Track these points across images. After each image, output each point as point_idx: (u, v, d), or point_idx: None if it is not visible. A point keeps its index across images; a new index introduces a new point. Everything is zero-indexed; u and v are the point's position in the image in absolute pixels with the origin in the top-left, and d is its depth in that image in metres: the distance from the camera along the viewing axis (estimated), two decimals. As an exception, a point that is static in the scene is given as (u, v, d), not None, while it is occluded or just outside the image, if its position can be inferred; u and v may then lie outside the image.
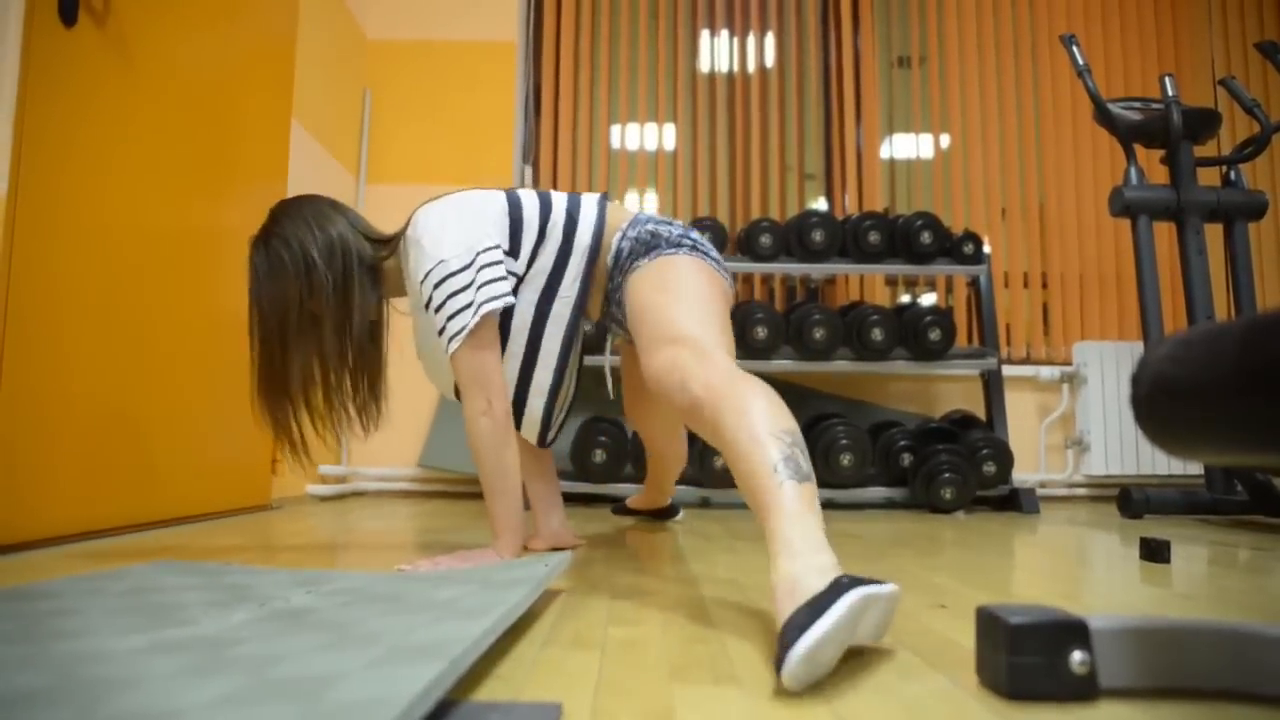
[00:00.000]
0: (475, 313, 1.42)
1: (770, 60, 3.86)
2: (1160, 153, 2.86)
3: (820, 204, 3.83)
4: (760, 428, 1.00)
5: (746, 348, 2.99)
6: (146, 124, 1.97)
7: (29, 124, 1.61)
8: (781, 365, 3.04)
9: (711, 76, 3.85)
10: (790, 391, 3.40)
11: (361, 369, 1.60)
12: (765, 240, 3.16)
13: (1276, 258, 3.82)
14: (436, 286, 1.43)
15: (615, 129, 3.82)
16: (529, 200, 1.57)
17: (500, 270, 1.46)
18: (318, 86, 3.02)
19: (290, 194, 2.71)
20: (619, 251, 1.54)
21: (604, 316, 1.67)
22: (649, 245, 1.49)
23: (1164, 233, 3.61)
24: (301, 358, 1.51)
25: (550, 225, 1.54)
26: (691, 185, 3.77)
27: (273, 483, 2.65)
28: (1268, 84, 3.85)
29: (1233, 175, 2.78)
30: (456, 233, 1.46)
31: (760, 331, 2.97)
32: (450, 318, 1.43)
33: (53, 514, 1.68)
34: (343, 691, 0.58)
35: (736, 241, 3.38)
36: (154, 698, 0.60)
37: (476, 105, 3.60)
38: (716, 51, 3.87)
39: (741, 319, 3.00)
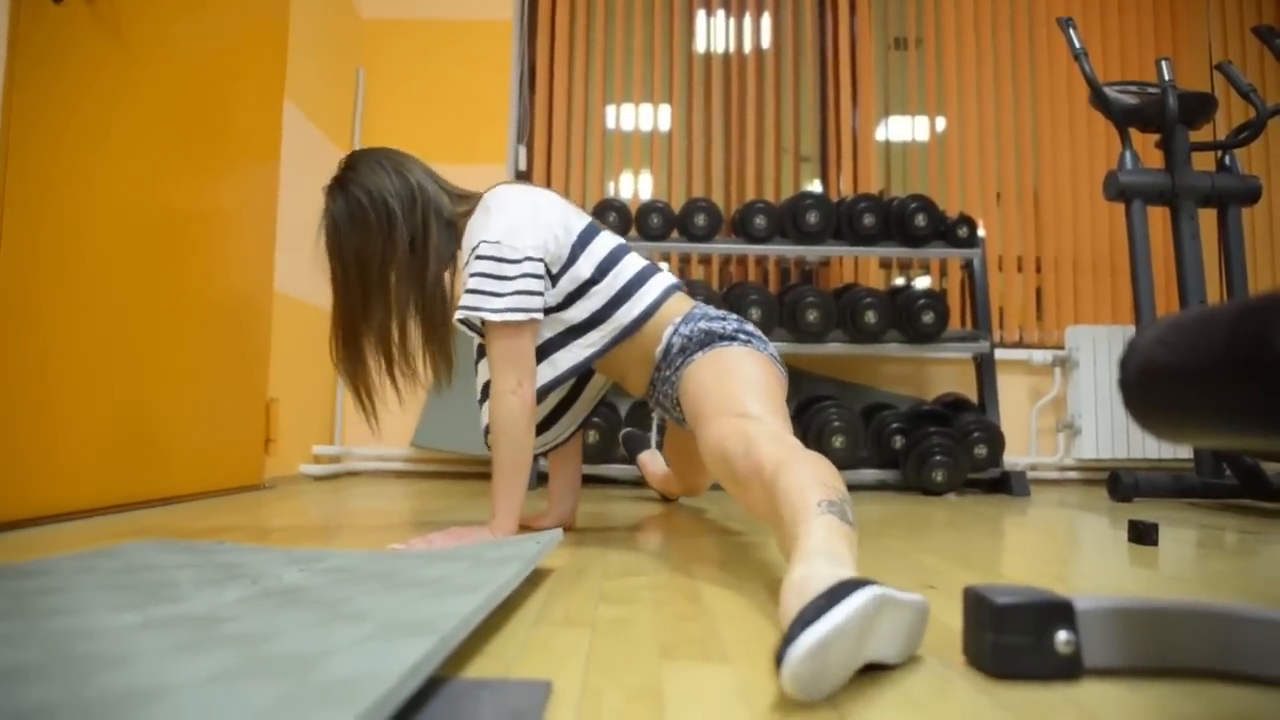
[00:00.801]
0: (502, 311, 1.42)
1: (766, 41, 3.84)
2: (1156, 137, 2.86)
3: (815, 186, 3.82)
4: (813, 479, 0.99)
5: (740, 330, 2.99)
6: (137, 103, 1.95)
7: (17, 103, 1.60)
8: (775, 347, 3.04)
9: (707, 57, 3.83)
10: (784, 374, 3.41)
11: (432, 322, 1.59)
12: (760, 222, 3.15)
13: (1269, 243, 3.83)
14: (480, 259, 1.44)
15: (610, 109, 3.80)
16: (597, 248, 1.55)
17: (539, 285, 1.47)
18: (311, 65, 3.00)
19: (283, 174, 2.70)
20: (669, 345, 1.54)
21: (649, 397, 1.68)
22: (702, 343, 1.49)
23: (1158, 217, 3.62)
24: (381, 310, 1.54)
25: (596, 288, 1.53)
26: (686, 166, 3.76)
27: (265, 462, 2.65)
28: (1264, 69, 3.84)
29: (1227, 160, 2.78)
30: (524, 227, 1.47)
31: (754, 313, 2.97)
32: (472, 291, 1.44)
33: (45, 493, 1.68)
34: (332, 668, 0.59)
35: (731, 223, 3.38)
36: (144, 674, 0.60)
37: (471, 85, 3.58)
38: (712, 32, 3.85)
39: (735, 301, 3.00)
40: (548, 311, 1.52)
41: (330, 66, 3.23)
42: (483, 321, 1.46)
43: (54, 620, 0.77)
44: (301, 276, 2.95)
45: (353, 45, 3.47)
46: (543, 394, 1.54)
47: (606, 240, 1.58)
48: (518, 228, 1.47)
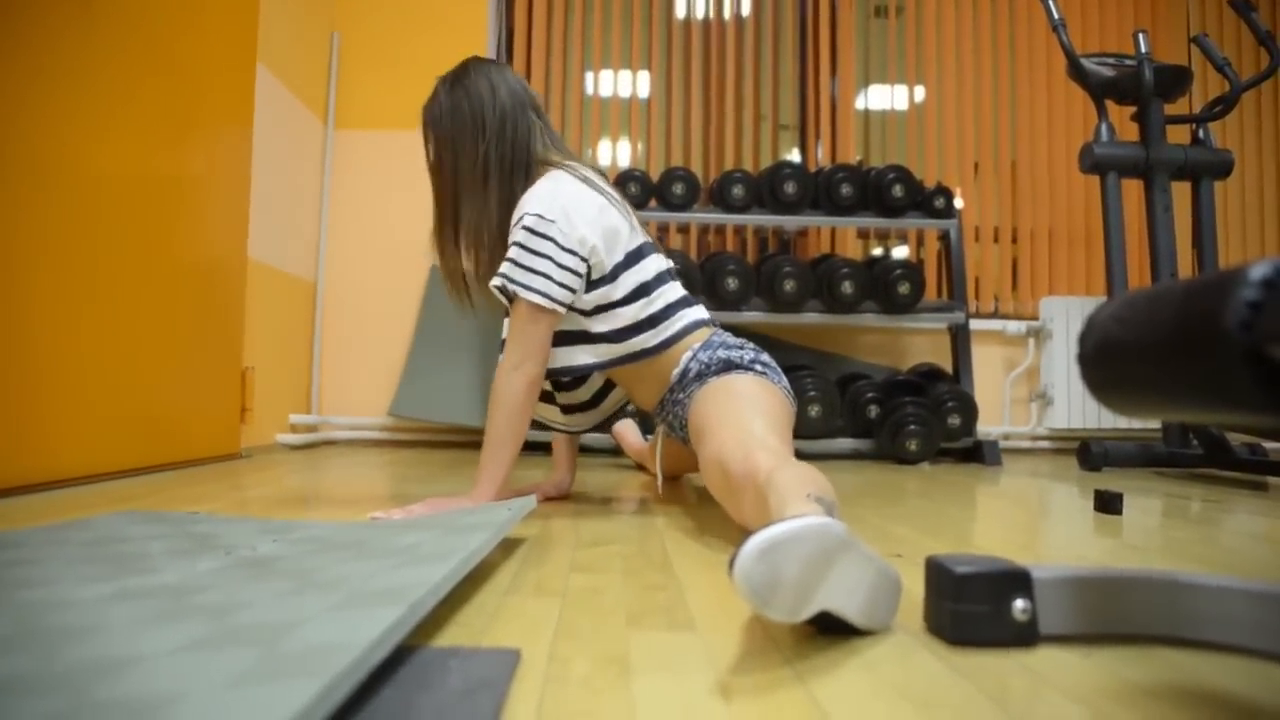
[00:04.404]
0: (529, 290, 1.44)
1: (746, 8, 3.81)
2: (1132, 109, 2.87)
3: (794, 155, 3.82)
4: (807, 479, 1.00)
5: (717, 299, 3.00)
6: (105, 66, 1.91)
7: (-19, 63, 1.56)
8: (752, 316, 3.06)
9: (687, 23, 3.80)
10: (760, 342, 3.42)
11: (479, 243, 1.59)
12: (738, 191, 3.15)
13: (1241, 216, 3.87)
14: (528, 231, 1.45)
15: (589, 75, 3.77)
16: (640, 273, 1.57)
17: (574, 281, 1.48)
18: (283, 28, 2.95)
19: (256, 138, 2.67)
20: (686, 369, 1.57)
21: (655, 413, 1.71)
22: (719, 370, 1.52)
23: (1133, 190, 3.64)
24: (470, 213, 1.56)
25: (622, 310, 1.54)
26: (665, 134, 3.74)
27: (242, 432, 2.64)
28: (1240, 42, 3.86)
29: (1201, 133, 2.80)
30: (583, 219, 1.49)
31: (731, 283, 2.98)
32: (511, 260, 1.46)
33: (18, 463, 1.67)
34: (302, 637, 0.59)
35: (709, 192, 3.37)
36: (115, 645, 0.61)
37: (448, 49, 3.50)
38: (692, -2, 3.81)
39: (712, 270, 3.01)
40: (573, 310, 1.53)
41: (304, 30, 3.17)
42: (499, 288, 1.47)
43: (25, 592, 0.78)
44: (276, 243, 2.92)
45: (327, 8, 3.41)
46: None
47: (651, 265, 1.59)
48: (575, 217, 1.48)
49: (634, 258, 1.57)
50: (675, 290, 1.63)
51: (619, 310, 1.54)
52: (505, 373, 1.46)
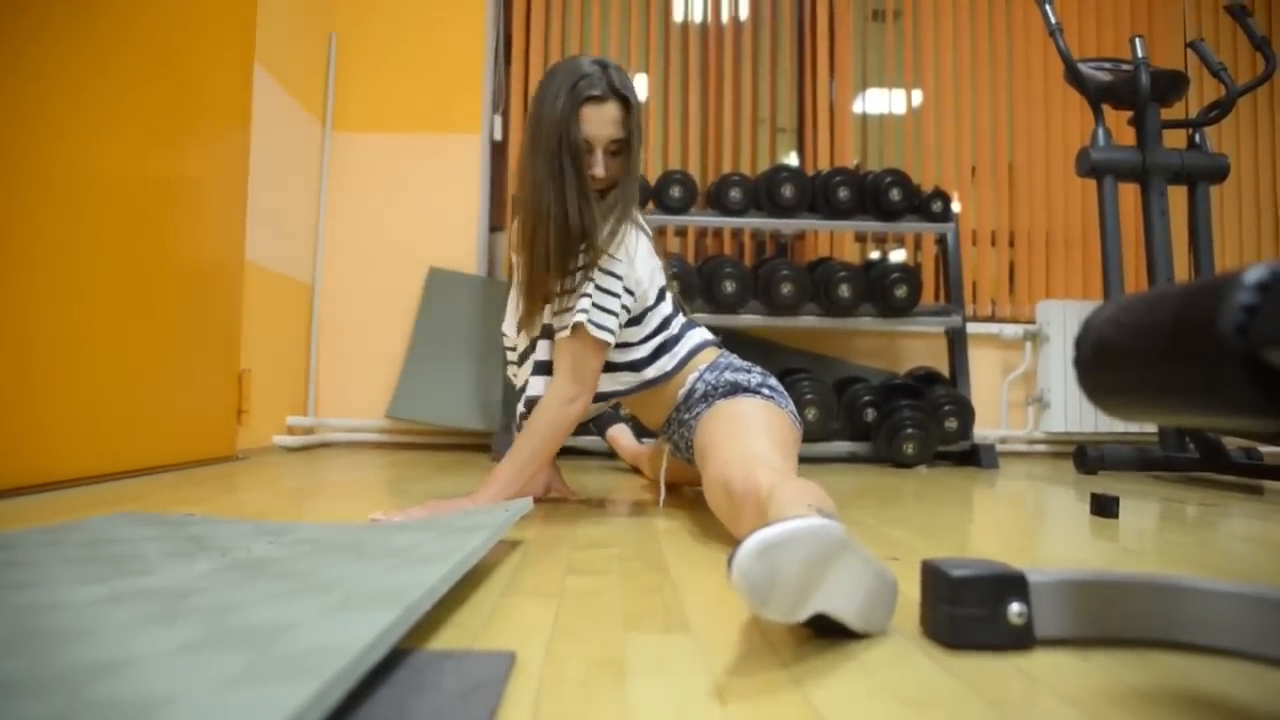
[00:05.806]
0: (600, 329, 1.46)
1: (744, 11, 3.81)
2: (1128, 114, 2.87)
3: (792, 158, 3.82)
4: (808, 492, 1.00)
5: (715, 302, 3.00)
6: (103, 68, 1.91)
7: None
8: (749, 320, 3.06)
9: (685, 27, 3.80)
10: (757, 346, 3.42)
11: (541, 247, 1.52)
12: (735, 195, 3.15)
13: (1237, 220, 3.88)
14: (606, 274, 1.48)
15: (587, 79, 3.76)
16: (661, 311, 1.61)
17: (626, 319, 1.53)
18: (281, 29, 2.95)
19: (253, 142, 2.67)
20: (693, 390, 1.59)
21: (661, 432, 1.73)
22: (726, 392, 1.53)
23: (1129, 194, 3.64)
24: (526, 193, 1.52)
25: (644, 345, 1.58)
26: (663, 137, 3.74)
27: (238, 434, 2.64)
28: (1237, 47, 3.87)
29: (1197, 138, 2.81)
30: (642, 268, 1.54)
31: (728, 286, 2.98)
32: (592, 299, 1.47)
33: (11, 465, 1.67)
34: (297, 639, 0.59)
35: (707, 195, 3.37)
36: (110, 646, 0.60)
37: (445, 51, 3.53)
38: (690, 1, 3.81)
39: (710, 273, 3.01)
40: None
41: (302, 31, 3.17)
42: (576, 324, 1.47)
43: (18, 594, 0.78)
44: (273, 245, 2.92)
45: (325, 9, 3.41)
46: None
47: (669, 301, 1.65)
48: (636, 259, 1.52)
49: (660, 296, 1.61)
50: (682, 317, 1.67)
51: (643, 344, 1.58)
52: (560, 404, 1.48)
